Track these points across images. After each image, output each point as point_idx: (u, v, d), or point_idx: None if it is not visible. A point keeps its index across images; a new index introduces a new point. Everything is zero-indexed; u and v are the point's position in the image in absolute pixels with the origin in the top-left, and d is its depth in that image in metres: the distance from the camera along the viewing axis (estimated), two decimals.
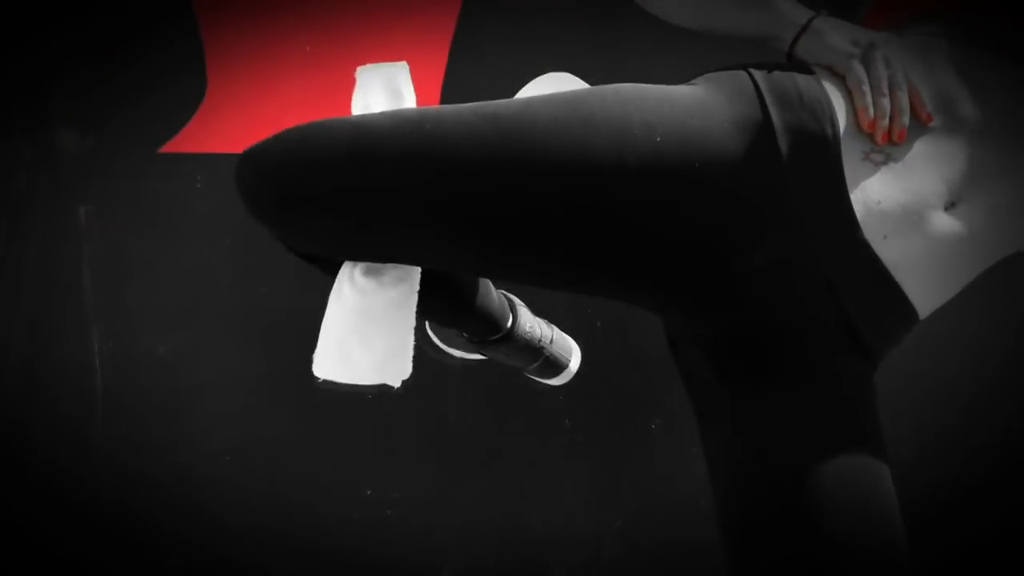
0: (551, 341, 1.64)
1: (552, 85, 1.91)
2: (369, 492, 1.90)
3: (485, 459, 1.90)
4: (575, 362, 1.70)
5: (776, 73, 1.11)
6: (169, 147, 1.91)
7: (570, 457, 1.91)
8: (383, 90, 1.24)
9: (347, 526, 1.89)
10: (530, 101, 1.09)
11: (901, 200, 1.07)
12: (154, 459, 1.89)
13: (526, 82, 1.93)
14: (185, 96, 1.91)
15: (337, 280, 1.17)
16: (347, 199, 1.06)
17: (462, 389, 1.91)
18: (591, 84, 1.89)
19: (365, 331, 1.14)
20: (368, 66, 1.27)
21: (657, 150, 1.04)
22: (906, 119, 1.07)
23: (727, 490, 1.12)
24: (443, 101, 1.90)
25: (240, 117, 1.91)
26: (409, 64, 1.25)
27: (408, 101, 1.24)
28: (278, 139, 1.09)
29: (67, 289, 1.91)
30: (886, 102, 1.07)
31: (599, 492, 1.91)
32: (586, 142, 1.04)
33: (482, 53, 1.91)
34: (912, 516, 1.10)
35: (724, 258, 1.07)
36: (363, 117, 1.09)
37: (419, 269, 1.18)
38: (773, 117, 1.07)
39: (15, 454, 1.88)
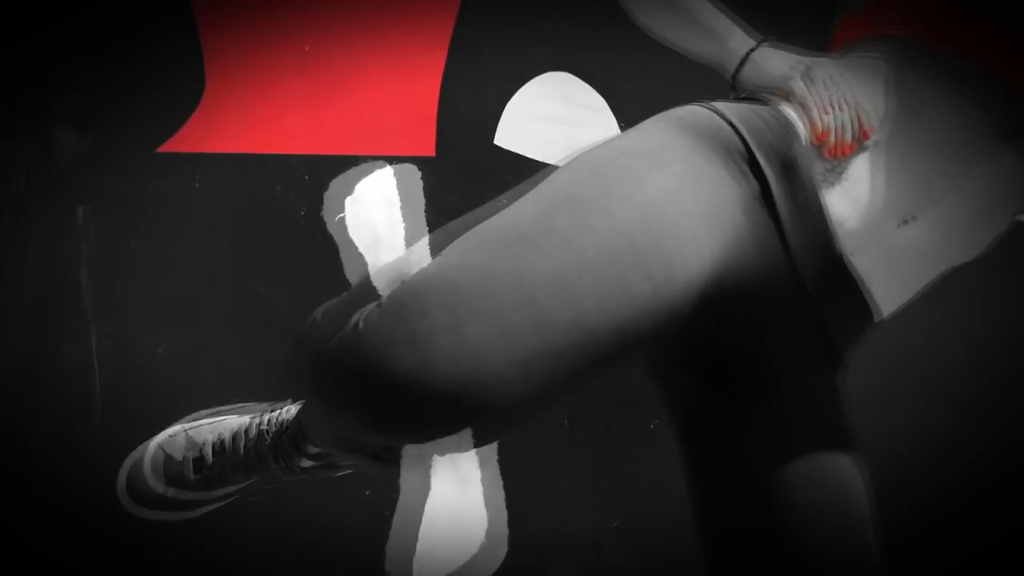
0: None
1: (552, 86, 1.91)
2: (368, 493, 1.89)
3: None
4: None
5: (740, 107, 1.13)
6: (168, 147, 1.91)
7: (569, 457, 1.91)
8: (384, 205, 1.12)
9: (346, 527, 1.89)
10: (603, 195, 1.06)
11: (863, 217, 1.10)
12: None
13: (526, 82, 1.93)
14: (184, 96, 1.91)
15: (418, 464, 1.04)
16: (548, 391, 1.04)
17: None
18: (591, 83, 1.89)
19: (465, 500, 1.04)
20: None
21: (697, 207, 1.06)
22: (849, 135, 1.09)
23: (705, 502, 1.16)
24: (442, 100, 1.90)
25: (239, 117, 1.91)
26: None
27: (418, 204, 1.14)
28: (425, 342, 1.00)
29: (65, 289, 1.91)
30: (829, 119, 1.09)
31: (598, 492, 1.91)
32: (661, 212, 1.04)
33: (481, 51, 1.91)
34: (912, 518, 1.11)
35: (722, 297, 1.08)
36: (517, 285, 1.01)
37: None
38: (756, 153, 1.09)
39: (13, 454, 1.88)
